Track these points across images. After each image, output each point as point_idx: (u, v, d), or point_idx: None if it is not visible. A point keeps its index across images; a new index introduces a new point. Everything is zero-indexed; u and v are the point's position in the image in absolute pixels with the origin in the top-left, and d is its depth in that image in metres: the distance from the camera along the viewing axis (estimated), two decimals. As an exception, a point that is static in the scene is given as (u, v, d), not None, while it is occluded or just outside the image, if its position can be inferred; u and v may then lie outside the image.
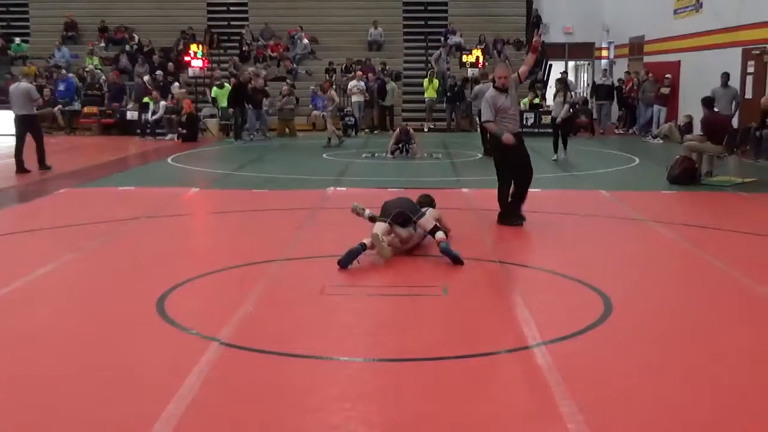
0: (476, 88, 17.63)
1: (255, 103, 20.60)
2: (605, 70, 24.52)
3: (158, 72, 23.74)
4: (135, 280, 6.57)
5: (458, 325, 5.40)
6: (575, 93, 25.99)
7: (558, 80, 16.93)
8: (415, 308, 5.77)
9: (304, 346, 4.90)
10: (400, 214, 7.29)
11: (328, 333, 5.18)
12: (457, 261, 6.94)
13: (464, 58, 23.94)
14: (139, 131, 21.39)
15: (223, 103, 21.19)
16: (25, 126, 13.69)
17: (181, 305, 5.76)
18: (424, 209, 7.59)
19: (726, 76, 16.79)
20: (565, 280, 6.50)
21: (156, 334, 5.15)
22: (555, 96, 16.11)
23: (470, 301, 6.01)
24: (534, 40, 9.13)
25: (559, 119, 15.67)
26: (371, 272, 6.97)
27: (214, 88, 21.96)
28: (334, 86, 24.64)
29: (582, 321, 5.35)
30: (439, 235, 7.20)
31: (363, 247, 6.97)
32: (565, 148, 15.82)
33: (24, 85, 13.91)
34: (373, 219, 7.66)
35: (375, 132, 22.78)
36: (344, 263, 6.84)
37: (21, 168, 13.57)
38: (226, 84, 21.66)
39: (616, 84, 23.72)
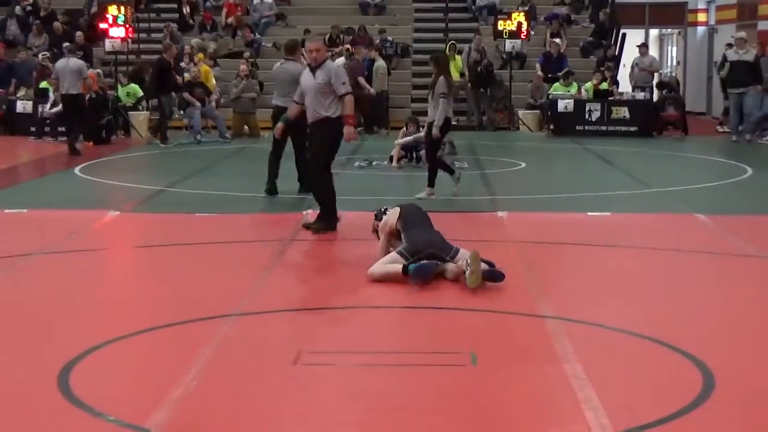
0: (274, 67, 14.76)
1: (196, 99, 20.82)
2: (741, 39, 21.26)
3: (66, 44, 23.86)
4: (28, 343, 6.54)
5: (493, 409, 5.38)
6: (662, 74, 26.04)
7: (431, 58, 13.82)
8: (431, 385, 5.76)
9: (271, 439, 4.90)
10: (432, 256, 8.12)
11: (305, 421, 5.16)
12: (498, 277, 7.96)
13: (500, 25, 24.05)
14: (34, 129, 21.46)
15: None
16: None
17: (93, 380, 5.73)
18: (452, 246, 8.29)
19: None
20: (647, 344, 6.48)
21: (56, 421, 5.13)
22: (431, 91, 12.87)
23: (510, 374, 5.99)
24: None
25: (434, 130, 12.69)
26: (369, 331, 6.97)
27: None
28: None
29: (671, 402, 5.33)
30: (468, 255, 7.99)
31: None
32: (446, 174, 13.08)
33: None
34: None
35: (359, 130, 22.75)
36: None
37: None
38: None
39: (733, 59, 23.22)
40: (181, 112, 21.53)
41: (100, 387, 5.63)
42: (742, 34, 21.45)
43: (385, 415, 5.27)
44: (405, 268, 7.98)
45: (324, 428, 5.07)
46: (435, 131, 12.66)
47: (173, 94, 20.89)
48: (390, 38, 25.54)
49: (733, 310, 7.57)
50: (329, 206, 10.37)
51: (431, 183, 12.86)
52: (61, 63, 18.66)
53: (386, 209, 8.89)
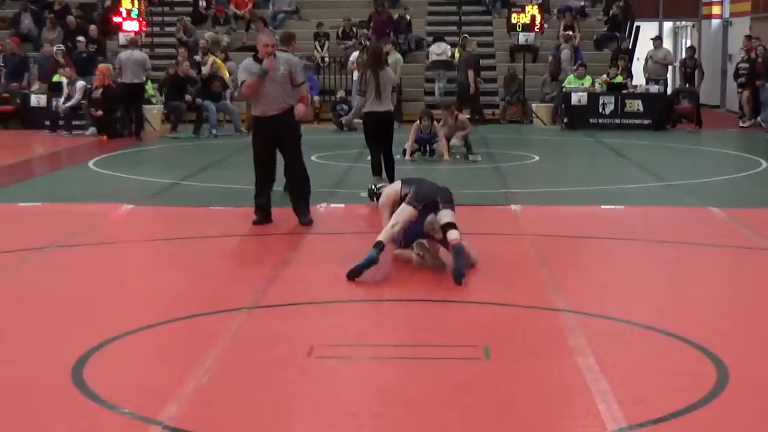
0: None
1: (213, 96, 20.89)
2: None
3: (79, 38, 23.91)
4: (42, 336, 6.57)
5: (506, 402, 5.39)
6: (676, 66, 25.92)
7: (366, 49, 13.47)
8: (444, 378, 5.76)
9: (284, 432, 4.89)
10: (433, 204, 8.17)
11: (318, 414, 5.18)
12: (458, 277, 7.73)
13: (514, 18, 24.02)
14: (48, 123, 21.54)
15: None
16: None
17: (106, 373, 5.76)
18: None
19: None
20: (661, 337, 6.48)
21: (71, 413, 5.15)
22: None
23: (523, 367, 6.00)
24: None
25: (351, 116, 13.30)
26: (382, 324, 6.97)
27: None
28: (324, 58, 24.71)
29: (684, 396, 5.33)
30: (454, 234, 7.92)
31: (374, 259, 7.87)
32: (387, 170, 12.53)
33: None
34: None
35: None
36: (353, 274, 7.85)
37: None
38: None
39: (742, 56, 23.28)
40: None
41: (113, 380, 5.66)
42: None
43: (398, 407, 5.28)
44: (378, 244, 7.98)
45: (337, 421, 5.07)
46: (345, 122, 13.21)
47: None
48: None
49: (747, 303, 7.56)
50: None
51: (380, 172, 12.57)
52: (125, 54, 20.25)
53: (380, 187, 9.07)
